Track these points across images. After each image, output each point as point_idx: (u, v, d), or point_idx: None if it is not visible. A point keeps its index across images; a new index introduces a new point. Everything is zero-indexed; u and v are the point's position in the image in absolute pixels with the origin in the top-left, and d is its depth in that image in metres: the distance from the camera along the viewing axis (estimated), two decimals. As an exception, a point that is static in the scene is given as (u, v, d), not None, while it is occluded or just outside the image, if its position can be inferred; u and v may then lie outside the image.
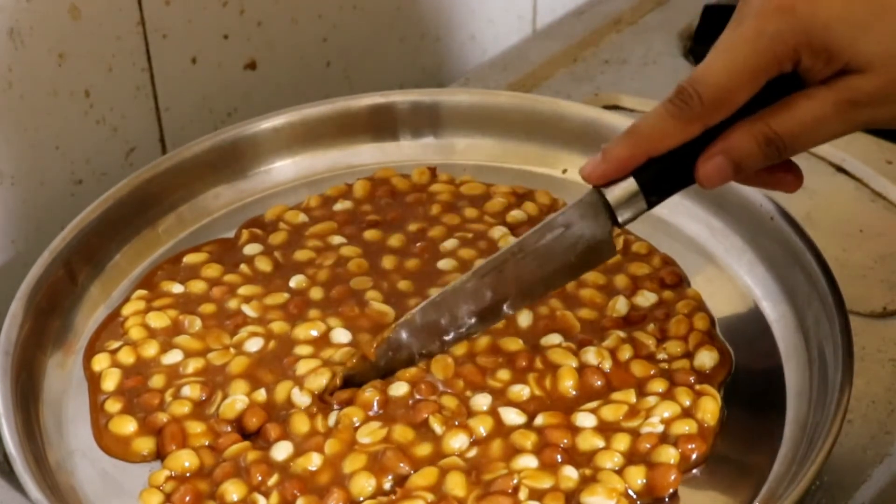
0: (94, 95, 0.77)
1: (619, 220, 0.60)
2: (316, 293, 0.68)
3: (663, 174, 0.58)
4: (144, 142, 0.81)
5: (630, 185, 0.59)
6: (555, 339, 0.65)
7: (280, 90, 0.86)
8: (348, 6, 0.87)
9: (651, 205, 0.59)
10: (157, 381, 0.64)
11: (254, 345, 0.65)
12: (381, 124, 0.78)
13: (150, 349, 0.65)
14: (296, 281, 0.69)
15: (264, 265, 0.70)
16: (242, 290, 0.68)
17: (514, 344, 0.64)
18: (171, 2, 0.78)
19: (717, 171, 0.56)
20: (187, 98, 0.82)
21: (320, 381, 0.63)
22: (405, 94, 0.78)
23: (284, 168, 0.77)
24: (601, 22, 0.94)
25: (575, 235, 0.61)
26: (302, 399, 0.62)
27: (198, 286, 0.69)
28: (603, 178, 0.59)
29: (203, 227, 0.74)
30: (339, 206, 0.74)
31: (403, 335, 0.63)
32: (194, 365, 0.64)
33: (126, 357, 0.65)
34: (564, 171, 0.76)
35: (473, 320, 0.63)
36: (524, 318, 0.66)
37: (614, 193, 0.59)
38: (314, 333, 0.66)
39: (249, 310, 0.67)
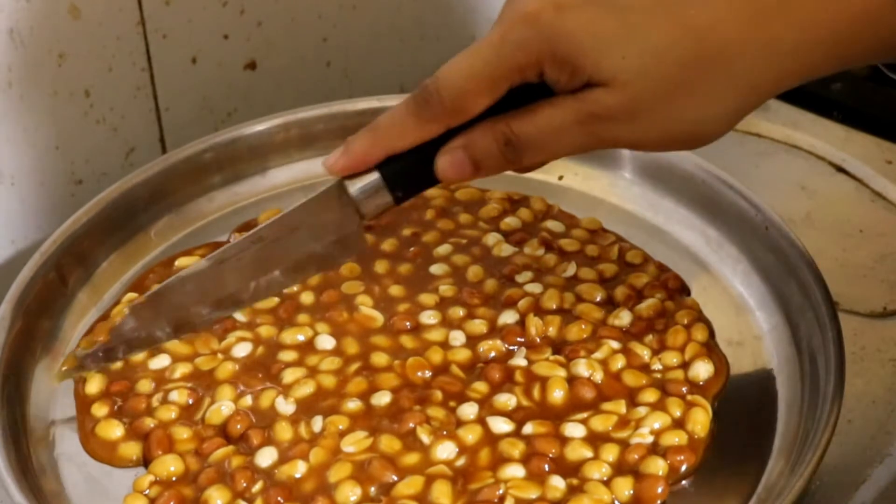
0: (94, 95, 0.77)
1: (362, 212, 0.59)
2: (307, 297, 0.68)
3: (408, 169, 0.58)
4: (144, 142, 0.81)
5: (373, 178, 0.58)
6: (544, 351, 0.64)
7: (280, 90, 0.86)
8: (348, 6, 0.87)
9: (398, 200, 0.59)
10: (143, 385, 0.63)
11: (242, 350, 0.65)
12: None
13: (139, 353, 0.65)
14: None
15: None
16: None
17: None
18: (171, 2, 0.78)
19: (455, 165, 0.56)
20: (187, 98, 0.82)
21: (304, 390, 0.62)
22: (400, 99, 0.78)
23: (279, 172, 0.76)
24: (602, 23, 0.94)
25: (319, 227, 0.60)
26: (286, 408, 0.62)
27: (187, 290, 0.69)
28: (344, 170, 0.58)
29: (196, 230, 0.73)
30: None
31: (130, 322, 0.63)
32: (182, 370, 0.64)
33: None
34: (560, 178, 0.76)
35: (211, 309, 0.63)
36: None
37: (356, 186, 0.58)
38: (301, 338, 0.65)
39: (239, 314, 0.67)
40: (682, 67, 0.52)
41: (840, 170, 0.80)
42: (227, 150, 0.75)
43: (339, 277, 0.69)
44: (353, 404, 0.62)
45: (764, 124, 0.84)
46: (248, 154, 0.76)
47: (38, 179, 0.76)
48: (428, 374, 0.63)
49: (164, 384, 0.63)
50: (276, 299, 0.68)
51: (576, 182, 0.75)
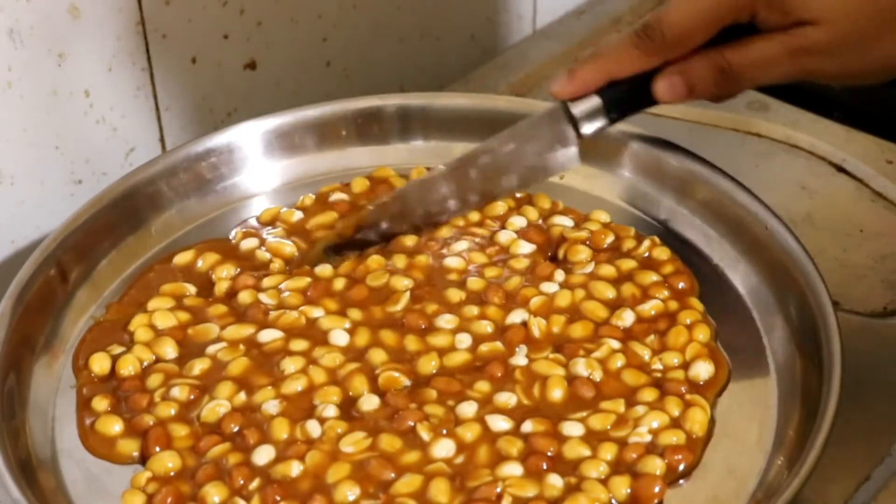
0: (94, 95, 0.77)
1: (582, 131, 0.67)
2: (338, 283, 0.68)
3: (624, 95, 0.66)
4: (144, 142, 0.81)
5: (594, 101, 0.66)
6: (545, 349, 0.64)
7: (280, 90, 0.86)
8: (348, 6, 0.87)
9: (612, 121, 0.66)
10: (153, 380, 0.63)
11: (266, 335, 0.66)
12: (377, 128, 0.77)
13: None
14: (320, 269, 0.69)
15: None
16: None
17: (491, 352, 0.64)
18: (171, 2, 0.78)
19: (672, 88, 0.64)
20: (187, 98, 0.82)
21: (295, 386, 0.63)
22: (403, 98, 0.78)
23: (278, 171, 0.76)
24: (601, 22, 0.94)
25: (541, 143, 0.68)
26: (273, 405, 0.62)
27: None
28: (570, 94, 0.66)
29: (196, 227, 0.73)
30: (336, 196, 0.74)
31: (376, 217, 0.70)
32: (200, 366, 0.64)
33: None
34: (562, 177, 0.76)
35: (437, 210, 0.70)
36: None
37: (579, 108, 0.66)
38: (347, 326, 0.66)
39: (267, 297, 0.67)
40: (880, 10, 0.60)
41: (840, 170, 0.80)
42: (227, 150, 0.75)
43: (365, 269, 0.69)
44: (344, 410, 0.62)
45: (764, 124, 0.84)
46: (247, 153, 0.76)
47: (38, 179, 0.77)
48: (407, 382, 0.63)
49: (172, 379, 0.63)
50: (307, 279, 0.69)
51: (576, 181, 0.75)
